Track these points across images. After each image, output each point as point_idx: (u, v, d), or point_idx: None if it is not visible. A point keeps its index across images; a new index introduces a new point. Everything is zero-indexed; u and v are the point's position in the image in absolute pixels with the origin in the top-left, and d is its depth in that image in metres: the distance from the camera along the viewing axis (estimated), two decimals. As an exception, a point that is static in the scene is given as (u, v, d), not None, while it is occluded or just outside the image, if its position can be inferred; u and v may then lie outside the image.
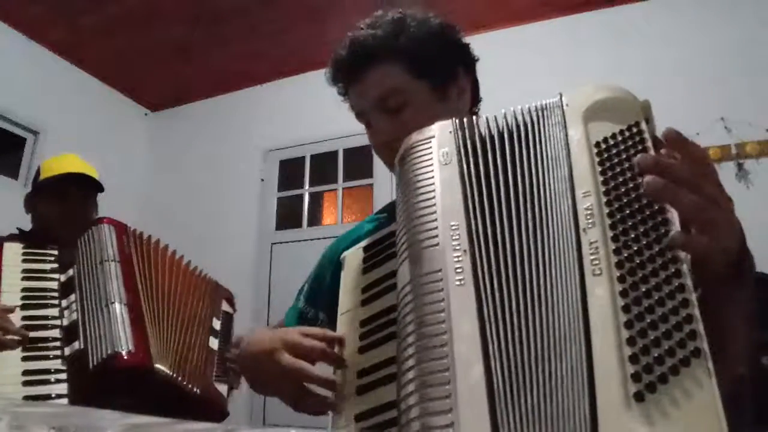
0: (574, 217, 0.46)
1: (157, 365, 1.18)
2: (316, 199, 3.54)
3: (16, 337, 1.14)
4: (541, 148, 0.53)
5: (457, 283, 0.47)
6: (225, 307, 1.57)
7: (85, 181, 1.56)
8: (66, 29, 3.11)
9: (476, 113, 0.90)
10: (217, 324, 1.48)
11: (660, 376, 0.37)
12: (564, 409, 0.39)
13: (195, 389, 1.25)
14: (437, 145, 0.57)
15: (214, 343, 1.43)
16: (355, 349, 0.61)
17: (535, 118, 0.55)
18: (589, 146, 0.50)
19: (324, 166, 3.46)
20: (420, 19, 0.83)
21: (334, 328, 0.66)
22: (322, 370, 0.62)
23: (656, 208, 0.43)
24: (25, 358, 1.14)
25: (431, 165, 0.55)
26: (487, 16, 2.96)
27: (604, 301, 0.41)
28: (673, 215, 0.43)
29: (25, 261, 1.31)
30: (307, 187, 3.48)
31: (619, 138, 0.49)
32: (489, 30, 2.96)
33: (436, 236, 0.50)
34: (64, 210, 1.51)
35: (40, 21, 3.04)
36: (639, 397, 0.37)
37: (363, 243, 0.71)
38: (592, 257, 0.44)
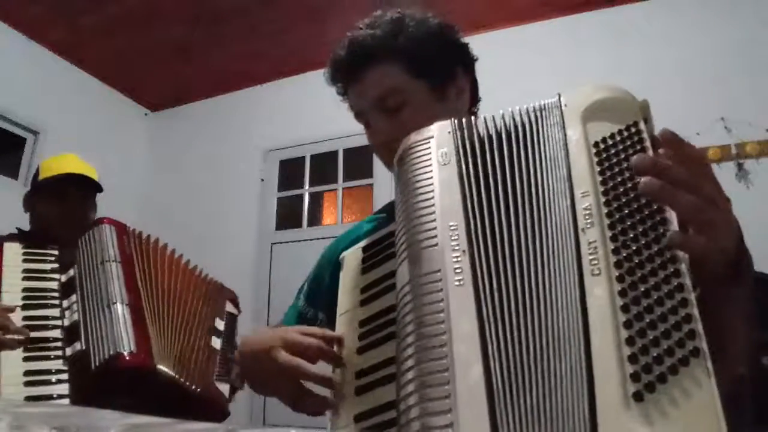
0: (573, 217, 0.46)
1: (159, 365, 1.18)
2: (316, 199, 3.54)
3: (17, 337, 1.14)
4: (539, 148, 0.53)
5: (457, 283, 0.47)
6: (229, 308, 1.57)
7: (84, 182, 1.55)
8: (66, 29, 3.11)
9: (475, 113, 0.90)
10: (220, 324, 1.48)
11: (659, 375, 0.37)
12: (563, 409, 0.39)
13: (196, 388, 1.25)
14: (436, 145, 0.57)
15: (216, 343, 1.43)
16: (354, 350, 0.61)
17: (533, 119, 0.55)
18: (588, 146, 0.50)
19: (324, 166, 3.45)
20: (419, 19, 0.84)
21: (333, 328, 0.66)
22: (322, 370, 0.62)
23: (655, 207, 0.44)
24: (26, 359, 1.14)
25: (430, 165, 0.55)
26: (486, 16, 2.95)
27: (603, 300, 0.41)
28: (672, 215, 0.43)
29: (25, 261, 1.31)
30: (307, 187, 3.48)
31: (618, 138, 0.49)
32: (489, 30, 2.96)
33: (435, 236, 0.50)
34: (63, 210, 1.51)
35: (40, 21, 3.04)
36: (638, 396, 0.37)
37: (362, 243, 0.71)
38: (590, 257, 0.44)
